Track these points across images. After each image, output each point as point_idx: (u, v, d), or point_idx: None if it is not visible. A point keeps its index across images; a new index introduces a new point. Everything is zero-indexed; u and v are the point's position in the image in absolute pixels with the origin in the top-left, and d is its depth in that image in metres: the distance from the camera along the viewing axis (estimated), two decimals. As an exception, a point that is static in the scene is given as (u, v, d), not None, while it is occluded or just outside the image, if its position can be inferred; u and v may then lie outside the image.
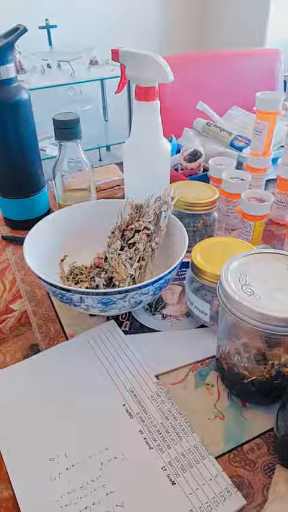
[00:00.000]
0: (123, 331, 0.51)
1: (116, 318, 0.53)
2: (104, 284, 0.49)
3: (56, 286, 0.44)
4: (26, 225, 0.57)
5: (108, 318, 0.53)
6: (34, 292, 0.59)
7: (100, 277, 0.49)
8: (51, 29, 2.24)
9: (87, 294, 0.43)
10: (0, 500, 0.36)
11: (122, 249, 0.51)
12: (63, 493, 0.35)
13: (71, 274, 0.54)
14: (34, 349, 0.50)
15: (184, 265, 0.52)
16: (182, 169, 0.79)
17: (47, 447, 0.39)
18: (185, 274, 0.56)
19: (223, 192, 0.66)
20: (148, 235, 0.52)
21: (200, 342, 0.50)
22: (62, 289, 0.44)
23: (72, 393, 0.44)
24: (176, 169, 0.80)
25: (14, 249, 0.68)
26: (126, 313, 0.53)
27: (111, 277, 0.49)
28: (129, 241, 0.52)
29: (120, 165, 0.74)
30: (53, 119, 0.61)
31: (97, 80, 2.21)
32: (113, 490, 0.35)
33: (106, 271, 0.50)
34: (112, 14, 2.43)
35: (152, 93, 0.53)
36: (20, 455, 0.38)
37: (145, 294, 0.45)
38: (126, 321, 0.53)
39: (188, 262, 0.50)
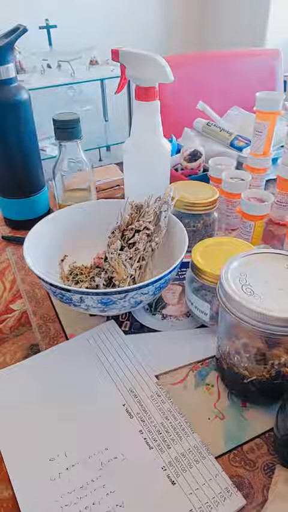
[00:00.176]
0: (123, 331, 0.51)
1: (116, 318, 0.53)
2: (104, 284, 0.49)
3: (56, 286, 0.44)
4: (26, 225, 0.57)
5: (108, 318, 0.53)
6: (34, 292, 0.59)
7: (100, 277, 0.49)
8: (51, 29, 2.25)
9: (87, 294, 0.43)
10: (0, 500, 0.36)
11: (122, 249, 0.51)
12: (63, 493, 0.35)
13: (71, 274, 0.54)
14: (34, 349, 0.50)
15: (184, 265, 0.52)
16: (182, 169, 0.79)
17: (47, 447, 0.39)
18: (185, 274, 0.56)
19: (223, 192, 0.66)
20: (148, 235, 0.52)
21: (200, 342, 0.50)
22: (62, 289, 0.44)
23: (72, 393, 0.44)
24: (176, 169, 0.80)
25: (14, 249, 0.68)
26: (126, 313, 0.53)
27: (111, 277, 0.49)
28: (129, 241, 0.52)
29: (120, 165, 0.74)
30: (53, 119, 0.61)
31: (97, 80, 2.21)
32: (113, 490, 0.35)
33: (106, 271, 0.50)
34: (112, 14, 2.43)
35: (152, 93, 0.53)
36: (20, 455, 0.38)
37: (145, 294, 0.45)
38: (126, 321, 0.53)
39: (188, 262, 0.50)
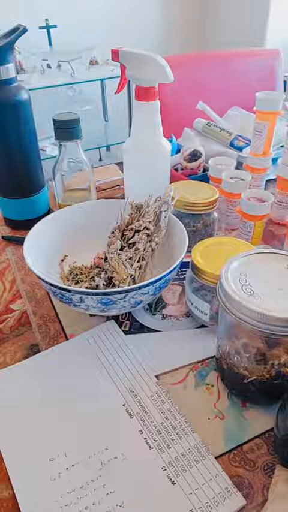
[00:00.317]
0: (123, 331, 0.51)
1: (116, 318, 0.53)
2: (104, 284, 0.49)
3: (56, 286, 0.44)
4: (26, 225, 0.57)
5: (108, 318, 0.53)
6: (34, 292, 0.59)
7: (100, 277, 0.49)
8: (51, 29, 2.25)
9: (87, 294, 0.43)
10: (0, 500, 0.36)
11: (122, 249, 0.51)
12: (63, 493, 0.35)
13: (71, 274, 0.54)
14: (34, 349, 0.50)
15: (184, 265, 0.52)
16: (182, 169, 0.79)
17: (47, 447, 0.39)
18: (185, 274, 0.56)
19: (223, 192, 0.66)
20: (148, 235, 0.52)
21: (200, 342, 0.50)
22: (62, 289, 0.44)
23: (72, 393, 0.44)
24: (176, 169, 0.80)
25: (14, 249, 0.68)
26: (126, 313, 0.53)
27: (111, 277, 0.49)
28: (129, 241, 0.52)
29: (120, 165, 0.74)
30: (53, 119, 0.61)
31: (97, 80, 2.21)
32: (113, 490, 0.35)
33: (106, 271, 0.50)
34: (112, 14, 2.43)
35: (152, 93, 0.53)
36: (20, 455, 0.38)
37: (145, 294, 0.45)
38: (126, 321, 0.53)
39: (188, 262, 0.50)
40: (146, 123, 0.56)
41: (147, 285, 0.44)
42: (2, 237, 0.71)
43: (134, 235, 0.52)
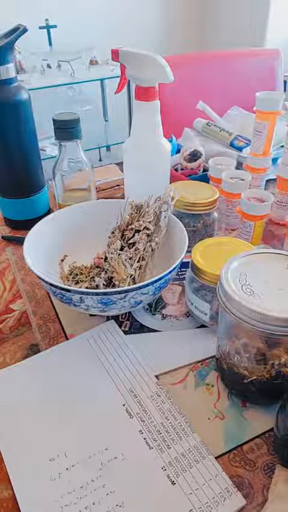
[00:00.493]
0: (123, 331, 0.51)
1: (116, 318, 0.53)
2: (104, 284, 0.49)
3: (56, 286, 0.44)
4: (26, 225, 0.57)
5: (108, 318, 0.53)
6: (34, 292, 0.59)
7: (100, 277, 0.49)
8: (51, 29, 2.25)
9: (87, 294, 0.43)
10: (0, 500, 0.36)
11: (122, 249, 0.51)
12: (63, 493, 0.35)
13: (71, 274, 0.54)
14: (34, 349, 0.50)
15: (184, 265, 0.52)
16: (182, 169, 0.79)
17: (47, 447, 0.39)
18: (185, 274, 0.56)
19: (223, 192, 0.66)
20: (148, 235, 0.52)
21: (200, 342, 0.50)
22: (62, 289, 0.44)
23: (72, 393, 0.44)
24: (176, 169, 0.80)
25: (14, 249, 0.68)
26: (126, 313, 0.53)
27: (111, 277, 0.49)
28: (129, 241, 0.52)
29: (120, 165, 0.74)
30: (53, 119, 0.61)
31: (97, 80, 2.21)
32: (113, 490, 0.35)
33: (106, 271, 0.50)
34: (112, 14, 2.43)
35: (152, 93, 0.53)
36: (20, 455, 0.38)
37: (145, 294, 0.45)
38: (126, 321, 0.53)
39: (188, 262, 0.50)
40: (146, 123, 0.56)
41: (147, 285, 0.44)
42: (2, 237, 0.71)
43: (134, 235, 0.52)
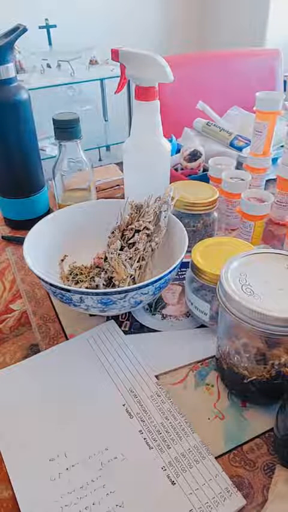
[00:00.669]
0: (123, 331, 0.51)
1: (116, 318, 0.53)
2: (103, 284, 0.49)
3: (56, 286, 0.44)
4: (26, 225, 0.57)
5: (108, 318, 0.53)
6: (34, 292, 0.59)
7: (100, 277, 0.49)
8: (50, 29, 2.24)
9: (87, 294, 0.43)
10: (0, 500, 0.36)
11: (122, 249, 0.51)
12: (63, 493, 0.35)
13: (70, 274, 0.54)
14: (34, 349, 0.50)
15: (184, 265, 0.52)
16: (182, 169, 0.79)
17: (47, 447, 0.39)
18: (185, 274, 0.56)
19: (223, 192, 0.66)
20: (148, 235, 0.52)
21: (200, 342, 0.50)
22: (62, 289, 0.44)
23: (72, 393, 0.44)
24: (176, 169, 0.80)
25: (14, 249, 0.68)
26: (126, 313, 0.53)
27: (111, 277, 0.49)
28: (129, 241, 0.52)
29: (120, 165, 0.74)
30: (53, 118, 0.61)
31: (97, 79, 2.21)
32: (113, 490, 0.35)
33: (106, 271, 0.50)
34: (112, 14, 2.43)
35: (151, 93, 0.53)
36: (20, 455, 0.38)
37: (145, 294, 0.45)
38: (126, 321, 0.53)
39: (188, 262, 0.49)
40: (146, 123, 0.56)
41: (147, 285, 0.44)
42: (2, 237, 0.71)
43: (134, 235, 0.52)
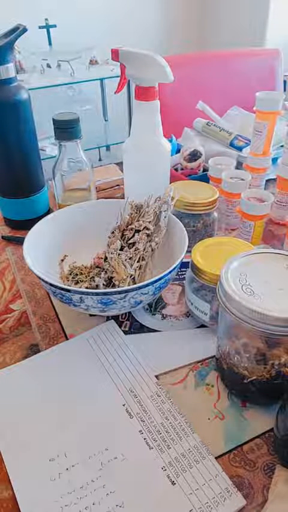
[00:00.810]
0: (123, 331, 0.51)
1: (116, 318, 0.53)
2: (103, 284, 0.49)
3: (56, 286, 0.44)
4: (26, 225, 0.57)
5: (108, 318, 0.53)
6: (34, 292, 0.59)
7: (100, 277, 0.49)
8: (50, 29, 2.24)
9: (87, 294, 0.43)
10: (0, 501, 0.36)
11: (122, 249, 0.51)
12: (63, 493, 0.35)
13: (70, 274, 0.54)
14: (34, 349, 0.50)
15: (184, 265, 0.52)
16: (182, 169, 0.79)
17: (47, 447, 0.39)
18: (185, 274, 0.56)
19: (223, 192, 0.66)
20: (148, 235, 0.52)
21: (200, 342, 0.50)
22: (62, 289, 0.44)
23: (72, 393, 0.44)
24: (176, 169, 0.80)
25: (14, 249, 0.68)
26: (126, 313, 0.53)
27: (111, 277, 0.49)
28: (129, 241, 0.52)
29: (120, 165, 0.74)
30: (53, 118, 0.61)
31: (97, 79, 2.21)
32: (113, 490, 0.35)
33: (106, 271, 0.50)
34: (112, 14, 2.43)
35: (151, 93, 0.53)
36: (20, 456, 0.38)
37: (145, 294, 0.45)
38: (126, 321, 0.53)
39: (188, 262, 0.49)
40: (146, 123, 0.56)
41: (147, 285, 0.44)
42: (2, 237, 0.71)
43: (134, 235, 0.52)
